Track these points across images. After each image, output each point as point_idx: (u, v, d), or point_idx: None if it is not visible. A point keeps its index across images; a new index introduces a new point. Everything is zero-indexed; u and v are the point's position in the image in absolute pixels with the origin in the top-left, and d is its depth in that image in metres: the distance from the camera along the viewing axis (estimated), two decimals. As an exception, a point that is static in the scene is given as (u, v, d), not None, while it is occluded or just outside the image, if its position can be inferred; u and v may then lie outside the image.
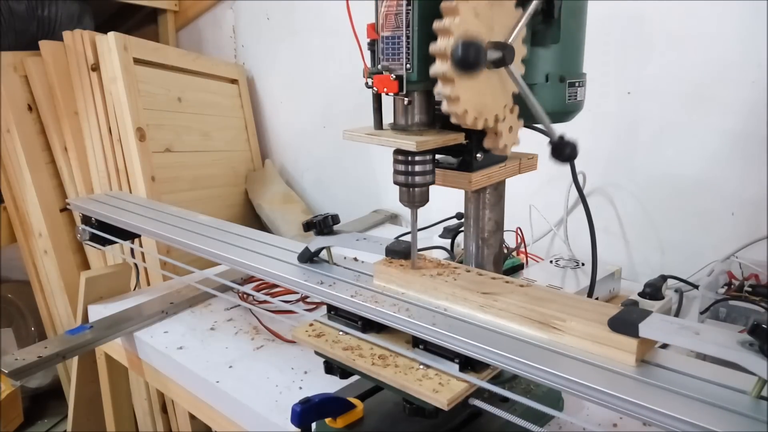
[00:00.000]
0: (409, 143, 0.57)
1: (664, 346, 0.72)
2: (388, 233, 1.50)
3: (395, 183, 0.62)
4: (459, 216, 1.31)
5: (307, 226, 0.74)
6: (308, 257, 0.76)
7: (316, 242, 0.74)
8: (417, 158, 0.59)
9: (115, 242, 1.06)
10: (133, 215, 1.02)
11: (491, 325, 0.56)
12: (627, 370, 0.48)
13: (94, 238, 1.08)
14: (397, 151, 0.60)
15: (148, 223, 0.98)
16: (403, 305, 0.61)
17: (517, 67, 0.58)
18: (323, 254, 0.76)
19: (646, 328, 0.48)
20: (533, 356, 0.51)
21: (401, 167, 0.60)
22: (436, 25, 0.53)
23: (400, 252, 0.67)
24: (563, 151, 0.58)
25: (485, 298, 0.58)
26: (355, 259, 0.76)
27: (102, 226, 1.06)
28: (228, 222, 0.96)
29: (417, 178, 0.60)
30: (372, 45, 0.60)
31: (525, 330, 0.55)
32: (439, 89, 0.55)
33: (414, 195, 0.61)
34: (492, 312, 0.57)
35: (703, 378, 0.47)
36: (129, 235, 1.05)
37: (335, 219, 0.74)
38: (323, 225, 0.73)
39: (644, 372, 0.48)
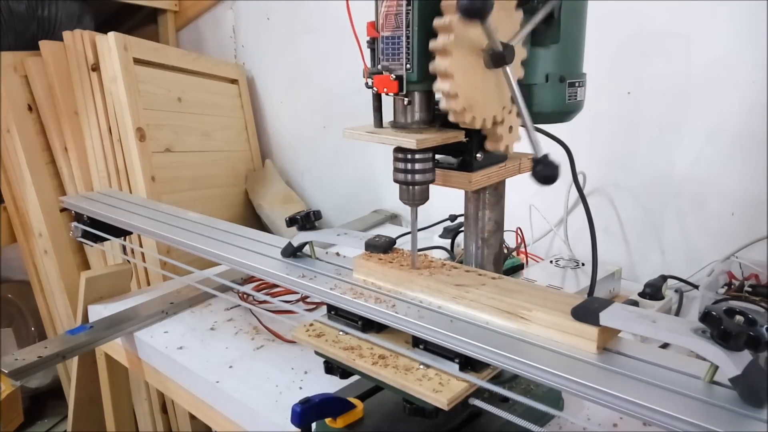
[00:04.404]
0: (410, 141, 0.57)
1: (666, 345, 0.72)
2: (389, 233, 1.50)
3: (395, 181, 0.62)
4: (452, 218, 1.31)
5: (290, 222, 0.76)
6: (291, 252, 0.77)
7: (298, 237, 0.76)
8: (417, 156, 0.59)
9: (107, 239, 1.07)
10: (124, 212, 1.03)
11: (462, 315, 0.58)
12: (588, 357, 0.50)
13: (86, 235, 1.08)
14: (398, 149, 0.60)
15: (137, 220, 0.99)
16: (380, 297, 0.63)
17: (515, 70, 0.58)
18: (306, 249, 0.77)
19: (606, 317, 0.50)
20: (501, 344, 0.53)
21: (401, 165, 0.60)
22: (437, 22, 0.53)
23: (379, 246, 0.69)
24: (541, 172, 0.55)
25: (457, 290, 0.60)
26: (337, 254, 0.78)
27: (94, 223, 1.07)
28: (217, 219, 0.97)
29: (417, 176, 0.60)
30: (372, 43, 0.60)
31: (494, 320, 0.57)
32: (438, 86, 0.55)
33: (414, 193, 0.61)
34: (464, 303, 0.59)
35: (661, 364, 0.49)
36: (121, 233, 1.06)
37: (317, 215, 0.76)
38: (306, 221, 0.75)
39: (604, 359, 0.50)
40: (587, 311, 0.51)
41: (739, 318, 0.44)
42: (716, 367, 0.45)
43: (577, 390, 0.47)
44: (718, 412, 0.43)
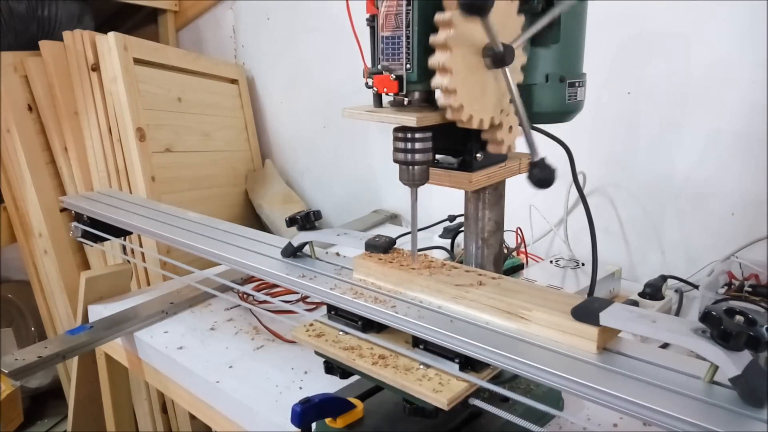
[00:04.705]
0: (410, 119, 0.57)
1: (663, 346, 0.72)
2: (389, 233, 1.50)
3: (395, 161, 0.61)
4: (451, 218, 1.31)
5: (290, 222, 0.76)
6: (291, 252, 0.77)
7: (298, 237, 0.76)
8: (417, 135, 0.59)
9: (107, 239, 1.07)
10: (123, 212, 1.03)
11: (462, 315, 0.58)
12: (589, 357, 0.50)
13: (86, 235, 1.09)
14: (398, 129, 0.60)
15: (137, 220, 0.99)
16: (380, 297, 0.63)
17: (514, 74, 0.58)
18: (306, 249, 0.78)
19: (606, 317, 0.50)
20: (501, 344, 0.53)
21: (401, 144, 0.60)
22: (438, 17, 0.53)
23: (379, 246, 0.69)
24: (536, 175, 0.55)
25: (458, 290, 0.60)
26: (337, 254, 0.78)
27: (94, 223, 1.07)
28: (217, 219, 0.97)
29: (417, 156, 0.60)
30: (371, 21, 0.59)
31: (494, 320, 0.57)
32: (437, 82, 0.55)
33: (414, 173, 0.61)
34: (464, 303, 0.59)
35: (661, 364, 0.49)
36: (121, 233, 1.06)
37: (317, 215, 0.76)
38: (305, 221, 0.75)
39: (605, 359, 0.50)
40: (587, 311, 0.51)
41: (739, 318, 0.44)
42: (716, 367, 0.45)
43: (577, 390, 0.47)
44: (718, 412, 0.43)
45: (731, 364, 0.43)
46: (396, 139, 0.60)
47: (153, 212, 1.03)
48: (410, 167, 0.61)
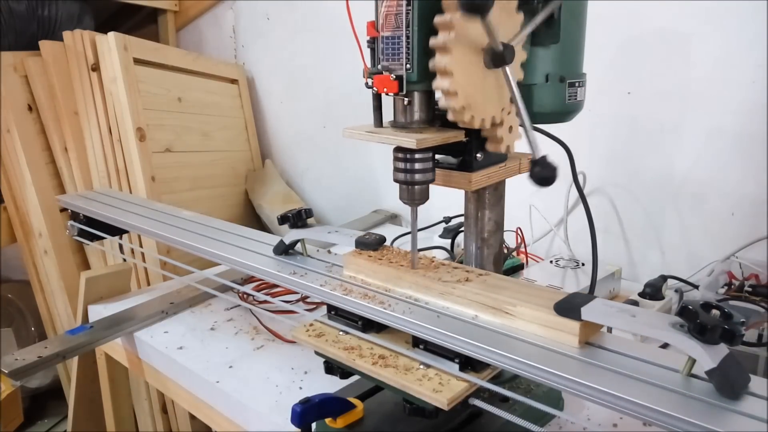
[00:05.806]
0: (409, 141, 0.57)
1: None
2: (389, 233, 1.50)
3: (395, 181, 0.62)
4: (447, 220, 1.31)
5: (282, 220, 0.76)
6: (283, 249, 0.78)
7: (290, 235, 0.76)
8: (417, 156, 0.59)
9: (103, 238, 1.08)
10: (118, 210, 1.04)
11: (449, 311, 0.59)
12: (571, 351, 0.51)
13: (82, 234, 1.09)
14: (398, 149, 0.60)
15: (131, 218, 0.99)
16: (369, 293, 0.64)
17: (515, 72, 0.58)
18: (298, 247, 0.78)
19: (587, 312, 0.51)
20: (485, 339, 0.54)
21: (401, 165, 0.60)
22: (438, 19, 0.53)
23: (369, 244, 0.69)
24: (538, 174, 0.55)
25: (444, 286, 0.61)
26: (329, 251, 0.78)
27: (90, 222, 1.08)
28: (211, 217, 0.98)
29: (417, 176, 0.60)
30: (372, 43, 0.60)
31: (480, 315, 0.58)
32: (438, 83, 0.55)
33: (414, 193, 0.61)
34: (450, 299, 0.60)
35: (641, 358, 0.50)
36: (117, 231, 1.07)
37: (308, 213, 0.77)
38: (297, 218, 0.76)
39: (586, 353, 0.51)
40: (569, 306, 0.52)
41: (715, 312, 0.45)
42: (694, 361, 0.46)
43: (557, 382, 0.48)
44: (695, 404, 0.44)
45: (707, 357, 0.44)
46: (396, 159, 0.60)
47: (147, 210, 1.03)
48: (410, 186, 0.61)
